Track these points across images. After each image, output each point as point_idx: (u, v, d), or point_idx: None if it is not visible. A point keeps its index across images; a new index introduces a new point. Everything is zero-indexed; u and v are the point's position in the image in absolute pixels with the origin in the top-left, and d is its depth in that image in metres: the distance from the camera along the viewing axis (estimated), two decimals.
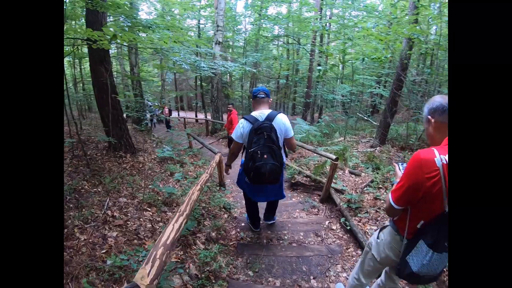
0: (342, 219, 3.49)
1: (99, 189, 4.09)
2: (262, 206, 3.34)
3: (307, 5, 12.47)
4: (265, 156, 2.12)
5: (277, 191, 2.77)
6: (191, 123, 15.43)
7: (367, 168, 5.33)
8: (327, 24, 11.10)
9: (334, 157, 3.64)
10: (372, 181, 4.48)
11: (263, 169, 2.12)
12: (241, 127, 2.28)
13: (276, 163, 2.17)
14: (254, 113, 2.31)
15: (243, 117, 2.35)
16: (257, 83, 18.22)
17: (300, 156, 5.98)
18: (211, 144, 8.57)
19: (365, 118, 11.87)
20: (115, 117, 5.41)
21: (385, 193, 4.12)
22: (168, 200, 3.65)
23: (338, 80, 16.94)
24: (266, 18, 13.26)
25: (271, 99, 2.49)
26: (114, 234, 2.93)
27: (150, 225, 3.18)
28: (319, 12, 12.09)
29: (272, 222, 3.29)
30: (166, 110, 13.63)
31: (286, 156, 2.53)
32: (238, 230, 3.38)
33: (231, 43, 16.81)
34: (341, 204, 3.77)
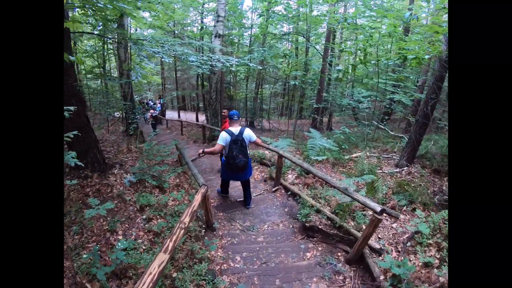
0: None
1: None
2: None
3: None
4: (240, 156, 3.62)
5: (247, 173, 4.00)
6: (190, 125, 14.15)
7: (399, 201, 4.05)
8: (345, 18, 9.71)
9: (378, 208, 2.36)
10: (416, 233, 3.17)
11: (239, 163, 3.64)
12: (225, 137, 3.60)
13: (245, 159, 3.69)
14: (231, 129, 3.66)
15: (224, 131, 3.66)
16: (264, 83, 16.97)
17: (315, 181, 4.67)
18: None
19: (381, 126, 10.47)
20: (77, 127, 4.18)
21: (437, 257, 2.81)
22: (118, 270, 2.40)
23: (348, 84, 15.56)
24: (274, 14, 11.88)
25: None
26: None
27: None
28: (333, 5, 10.72)
29: (249, 207, 4.29)
30: (152, 112, 12.41)
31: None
32: None
33: (236, 40, 15.53)
34: (381, 278, 2.48)
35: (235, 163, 3.57)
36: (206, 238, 3.27)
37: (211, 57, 4.96)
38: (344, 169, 5.75)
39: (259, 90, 15.58)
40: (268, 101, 17.94)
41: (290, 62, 13.67)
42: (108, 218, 3.34)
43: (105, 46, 11.35)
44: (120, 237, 3.02)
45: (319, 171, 3.49)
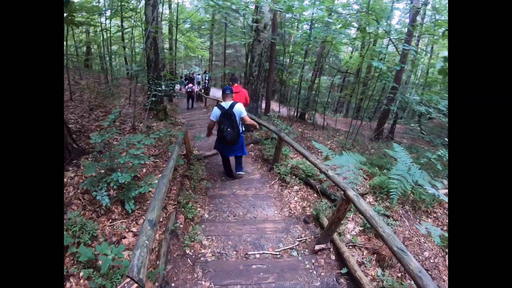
0: None
1: None
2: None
3: None
4: (228, 129, 3.56)
5: (240, 149, 3.92)
6: None
7: None
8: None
9: None
10: None
11: (227, 136, 3.57)
12: (216, 112, 3.60)
13: (234, 133, 3.58)
14: (222, 103, 3.65)
15: (216, 106, 3.69)
16: (322, 74, 14.40)
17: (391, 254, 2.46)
18: None
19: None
20: None
21: None
22: None
23: (414, 88, 12.34)
24: None
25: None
26: None
27: None
28: None
29: (242, 173, 4.18)
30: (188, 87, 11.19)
31: (244, 128, 3.93)
32: None
33: (297, 17, 13.20)
34: None
35: (223, 136, 3.60)
36: None
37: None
38: (429, 218, 3.36)
39: (318, 78, 13.10)
40: (324, 94, 15.36)
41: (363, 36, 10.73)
42: None
43: None
44: None
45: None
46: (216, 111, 3.59)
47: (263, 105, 9.16)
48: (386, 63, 11.36)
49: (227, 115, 3.56)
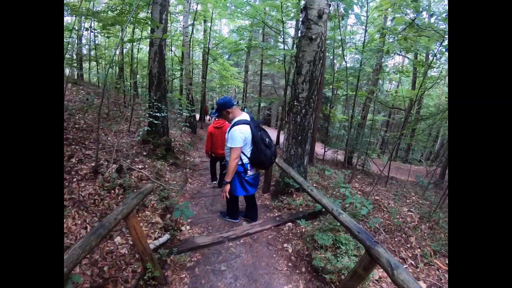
0: None
1: None
2: None
3: None
4: (271, 142, 2.62)
5: (259, 180, 2.96)
6: None
7: None
8: None
9: None
10: None
11: (275, 150, 2.64)
12: (245, 130, 2.41)
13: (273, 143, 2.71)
14: (240, 117, 2.51)
15: (237, 124, 2.45)
16: (369, 112, 11.92)
17: None
18: (256, 234, 2.88)
19: None
20: None
21: None
22: None
23: None
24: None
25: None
26: None
27: None
28: None
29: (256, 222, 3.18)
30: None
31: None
32: None
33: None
34: None
35: (274, 151, 2.61)
36: None
37: None
38: None
39: (372, 115, 10.54)
40: (376, 133, 12.61)
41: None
42: None
43: None
44: None
45: None
46: (244, 130, 2.42)
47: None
48: None
49: (260, 126, 2.62)
